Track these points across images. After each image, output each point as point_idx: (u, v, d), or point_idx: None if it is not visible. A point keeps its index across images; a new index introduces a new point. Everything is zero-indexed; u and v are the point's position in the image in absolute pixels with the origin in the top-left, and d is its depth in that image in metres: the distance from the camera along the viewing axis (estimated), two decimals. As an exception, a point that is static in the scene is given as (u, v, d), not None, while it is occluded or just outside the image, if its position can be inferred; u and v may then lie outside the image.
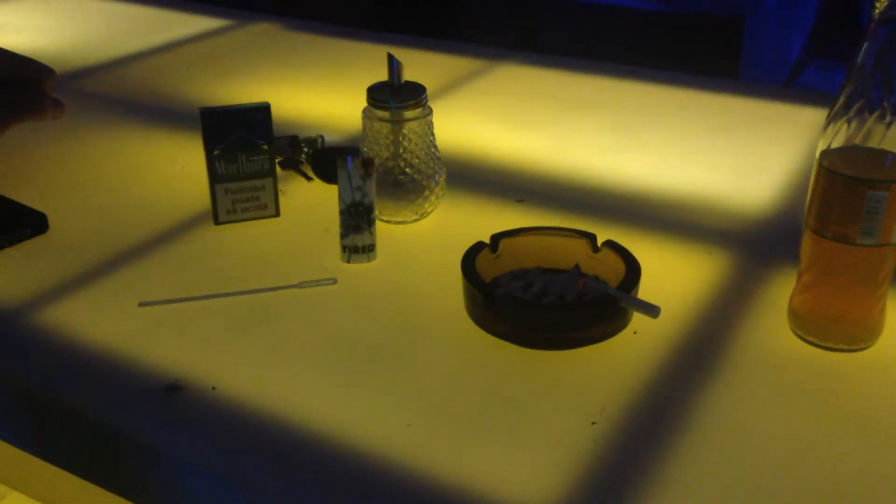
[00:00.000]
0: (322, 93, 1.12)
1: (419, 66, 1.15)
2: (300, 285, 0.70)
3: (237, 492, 0.54)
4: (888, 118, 0.55)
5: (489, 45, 1.33)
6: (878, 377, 0.60)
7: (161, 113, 1.06)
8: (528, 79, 1.18)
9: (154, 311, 0.68)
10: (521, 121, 1.03)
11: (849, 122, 0.56)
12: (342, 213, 0.72)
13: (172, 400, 0.58)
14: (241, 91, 1.12)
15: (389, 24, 2.18)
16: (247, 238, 0.78)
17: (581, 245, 0.71)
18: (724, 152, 0.94)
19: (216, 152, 0.77)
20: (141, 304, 0.68)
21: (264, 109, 0.77)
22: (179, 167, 0.90)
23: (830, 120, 0.58)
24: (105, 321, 0.67)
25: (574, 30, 2.62)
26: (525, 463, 0.53)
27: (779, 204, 0.83)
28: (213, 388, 0.59)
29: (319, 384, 0.60)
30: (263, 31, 1.39)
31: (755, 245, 0.77)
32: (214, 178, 0.78)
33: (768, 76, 2.74)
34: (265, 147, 0.78)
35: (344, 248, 0.73)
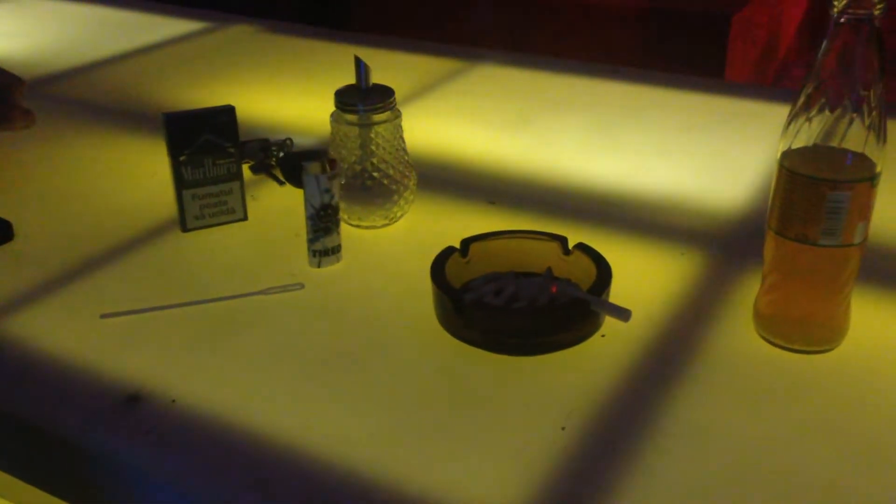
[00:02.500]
0: (295, 95, 1.11)
1: (395, 67, 1.14)
2: (265, 292, 0.69)
3: (197, 505, 0.53)
4: (848, 117, 0.54)
5: (468, 44, 1.32)
6: (843, 379, 0.59)
7: (131, 118, 1.05)
8: (506, 79, 1.17)
9: (117, 320, 0.66)
10: (498, 122, 1.02)
11: (809, 121, 0.55)
12: (311, 218, 0.71)
13: (133, 411, 0.57)
14: (213, 95, 1.11)
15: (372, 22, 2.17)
16: (216, 245, 0.77)
17: (552, 248, 0.70)
18: (702, 152, 0.94)
19: (182, 158, 0.76)
20: (103, 316, 0.66)
21: (229, 112, 0.76)
22: (150, 173, 0.89)
23: (791, 119, 0.57)
24: (68, 331, 0.66)
25: (558, 28, 2.61)
26: (493, 471, 0.52)
27: (755, 203, 0.82)
28: (174, 401, 0.58)
29: (283, 393, 0.59)
30: (237, 34, 1.37)
31: (729, 245, 0.76)
32: (181, 184, 0.77)
33: (755, 75, 2.73)
34: (231, 150, 0.77)
35: (314, 252, 0.72)
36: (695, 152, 0.94)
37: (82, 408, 0.58)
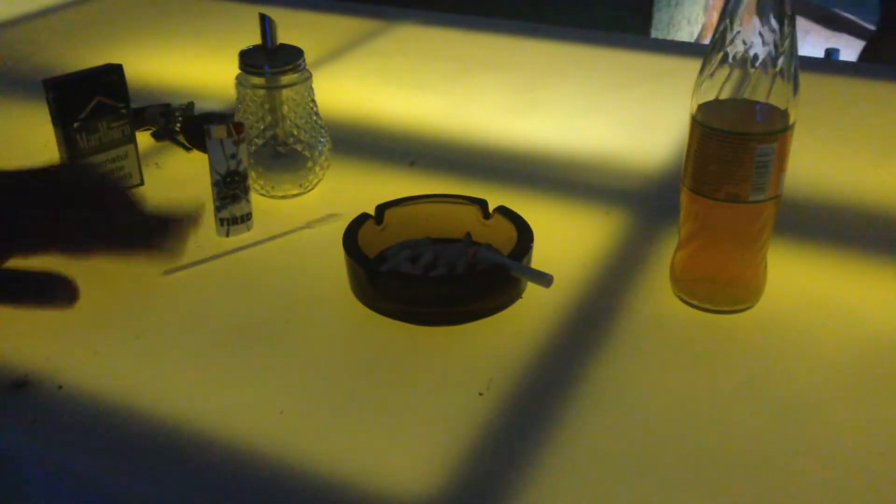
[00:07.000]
0: (199, 59, 1.05)
1: (307, 28, 1.09)
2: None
3: (91, 496, 0.49)
4: (762, 69, 0.52)
5: (386, 3, 1.27)
6: (763, 337, 0.58)
7: (19, 87, 0.97)
8: (426, 39, 1.13)
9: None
10: (417, 83, 0.99)
11: (716, 75, 0.53)
12: (217, 184, 0.67)
13: (18, 399, 0.53)
14: (109, 61, 1.04)
15: None
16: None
17: (472, 212, 0.67)
18: (625, 110, 0.92)
19: (76, 125, 0.70)
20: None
21: (116, 70, 0.71)
22: (42, 144, 0.83)
23: (704, 74, 0.55)
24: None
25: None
26: (410, 445, 0.50)
27: (681, 161, 0.81)
28: (61, 388, 0.54)
29: (185, 372, 0.56)
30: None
31: (654, 203, 0.74)
32: (76, 155, 0.71)
33: (681, 34, 2.74)
34: (124, 111, 0.72)
35: (221, 221, 0.68)
36: (619, 111, 0.92)
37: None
